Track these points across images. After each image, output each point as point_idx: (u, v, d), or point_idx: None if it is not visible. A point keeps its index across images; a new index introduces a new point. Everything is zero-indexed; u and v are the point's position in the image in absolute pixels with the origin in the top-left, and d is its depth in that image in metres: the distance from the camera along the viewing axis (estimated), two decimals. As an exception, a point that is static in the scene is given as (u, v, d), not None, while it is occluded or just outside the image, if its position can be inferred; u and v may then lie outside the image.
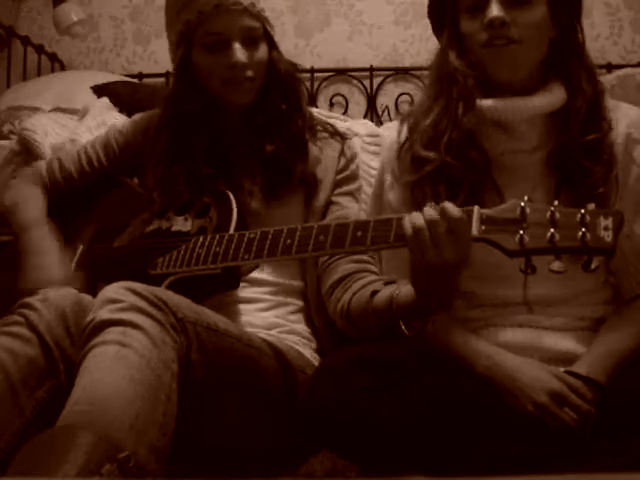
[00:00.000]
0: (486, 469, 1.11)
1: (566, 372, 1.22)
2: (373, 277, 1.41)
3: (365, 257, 1.46)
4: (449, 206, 1.09)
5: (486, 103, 1.30)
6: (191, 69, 1.53)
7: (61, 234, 1.58)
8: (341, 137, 1.63)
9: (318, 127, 1.62)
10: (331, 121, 1.72)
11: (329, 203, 1.55)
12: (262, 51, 1.52)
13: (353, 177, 1.61)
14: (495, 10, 1.26)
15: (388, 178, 1.42)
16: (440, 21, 1.39)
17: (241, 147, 1.55)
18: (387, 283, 1.34)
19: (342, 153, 1.60)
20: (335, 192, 1.57)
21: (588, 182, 1.26)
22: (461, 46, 1.32)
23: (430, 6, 1.41)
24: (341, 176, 1.58)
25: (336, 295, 1.43)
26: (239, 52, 1.48)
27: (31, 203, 1.61)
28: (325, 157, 1.58)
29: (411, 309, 1.24)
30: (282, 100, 1.55)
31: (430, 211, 1.11)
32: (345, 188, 1.58)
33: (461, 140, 1.30)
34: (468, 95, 1.30)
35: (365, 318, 1.34)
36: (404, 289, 1.26)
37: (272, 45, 1.55)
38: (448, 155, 1.29)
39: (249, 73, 1.50)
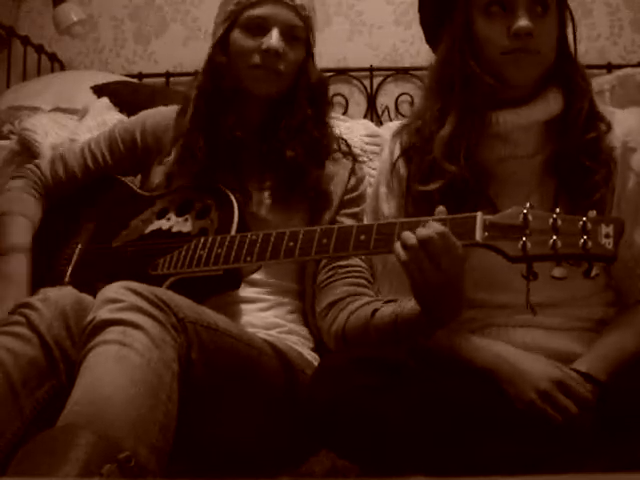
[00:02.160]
0: (487, 469, 1.11)
1: (566, 369, 1.22)
2: (369, 298, 1.41)
3: (362, 281, 1.46)
4: (433, 223, 1.11)
5: (487, 117, 1.30)
6: (227, 48, 1.53)
7: (57, 240, 1.58)
8: (354, 158, 1.63)
9: (334, 144, 1.61)
10: (332, 122, 1.72)
11: (333, 222, 1.53)
12: (298, 52, 1.54)
13: (361, 199, 1.59)
14: (523, 20, 1.23)
15: (383, 190, 1.42)
16: (437, 17, 1.36)
17: (255, 147, 1.55)
18: (387, 302, 1.34)
19: (353, 172, 1.59)
20: (341, 212, 1.55)
21: (588, 184, 1.26)
22: (473, 49, 1.29)
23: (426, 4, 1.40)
24: (349, 196, 1.57)
25: (331, 317, 1.43)
26: (276, 39, 1.49)
27: (18, 221, 1.60)
28: (336, 175, 1.57)
29: (416, 324, 1.23)
30: (309, 106, 1.54)
31: (422, 230, 1.11)
32: (351, 210, 1.56)
33: (475, 153, 1.29)
34: (485, 106, 1.29)
35: (364, 337, 1.33)
36: (408, 304, 1.26)
37: (309, 53, 1.57)
38: (467, 168, 1.28)
39: (280, 66, 1.50)
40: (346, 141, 1.66)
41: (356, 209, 1.57)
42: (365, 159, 1.81)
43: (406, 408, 1.14)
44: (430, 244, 1.10)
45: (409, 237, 1.12)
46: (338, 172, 1.57)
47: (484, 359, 1.23)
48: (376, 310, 1.32)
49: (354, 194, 1.58)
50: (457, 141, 1.29)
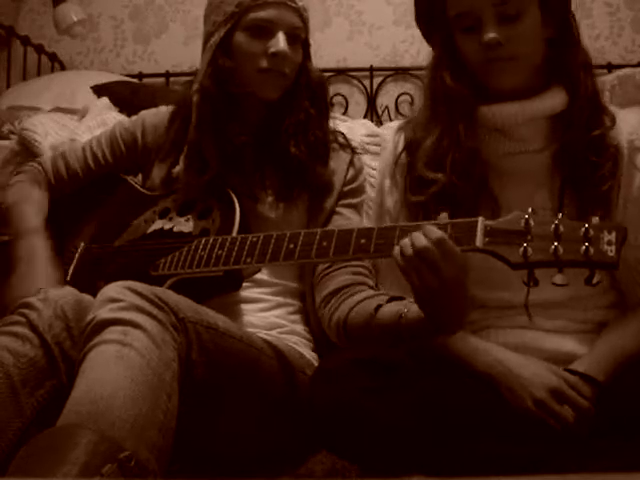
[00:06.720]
0: (486, 469, 1.11)
1: (565, 370, 1.22)
2: (372, 291, 1.40)
3: (362, 270, 1.45)
4: (431, 228, 1.10)
5: (483, 110, 1.31)
6: (230, 51, 1.51)
7: (58, 239, 1.57)
8: (352, 150, 1.63)
9: (331, 137, 1.61)
10: (331, 121, 1.72)
11: (332, 212, 1.54)
12: (299, 53, 1.54)
13: (359, 190, 1.60)
14: (490, 32, 1.26)
15: (387, 183, 1.42)
16: (429, 25, 1.38)
17: (255, 148, 1.54)
18: (391, 298, 1.33)
19: (351, 164, 1.59)
20: (339, 203, 1.55)
21: (594, 178, 1.26)
22: (456, 60, 1.32)
23: (419, 14, 1.41)
24: (348, 188, 1.57)
25: (331, 307, 1.42)
26: (283, 42, 1.48)
27: (30, 207, 1.61)
28: (335, 167, 1.57)
29: (421, 327, 1.22)
30: (311, 106, 1.55)
31: (419, 238, 1.10)
32: (350, 200, 1.57)
33: (464, 159, 1.30)
34: (468, 114, 1.30)
35: (366, 331, 1.32)
36: (414, 307, 1.24)
37: (307, 54, 1.57)
38: (454, 175, 1.29)
39: (285, 68, 1.50)
40: (343, 134, 1.66)
41: (355, 200, 1.58)
42: (362, 152, 1.80)
43: (405, 409, 1.14)
44: (428, 253, 1.08)
45: (406, 247, 1.11)
46: (337, 164, 1.58)
47: (483, 362, 1.23)
48: (380, 306, 1.30)
49: (353, 185, 1.58)
50: (441, 151, 1.31)
